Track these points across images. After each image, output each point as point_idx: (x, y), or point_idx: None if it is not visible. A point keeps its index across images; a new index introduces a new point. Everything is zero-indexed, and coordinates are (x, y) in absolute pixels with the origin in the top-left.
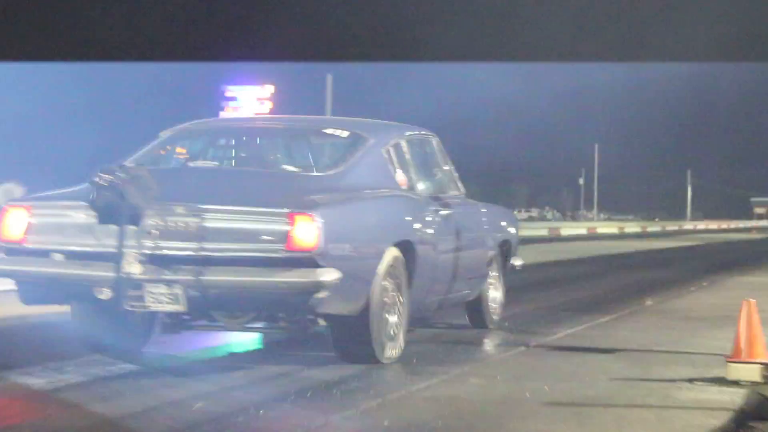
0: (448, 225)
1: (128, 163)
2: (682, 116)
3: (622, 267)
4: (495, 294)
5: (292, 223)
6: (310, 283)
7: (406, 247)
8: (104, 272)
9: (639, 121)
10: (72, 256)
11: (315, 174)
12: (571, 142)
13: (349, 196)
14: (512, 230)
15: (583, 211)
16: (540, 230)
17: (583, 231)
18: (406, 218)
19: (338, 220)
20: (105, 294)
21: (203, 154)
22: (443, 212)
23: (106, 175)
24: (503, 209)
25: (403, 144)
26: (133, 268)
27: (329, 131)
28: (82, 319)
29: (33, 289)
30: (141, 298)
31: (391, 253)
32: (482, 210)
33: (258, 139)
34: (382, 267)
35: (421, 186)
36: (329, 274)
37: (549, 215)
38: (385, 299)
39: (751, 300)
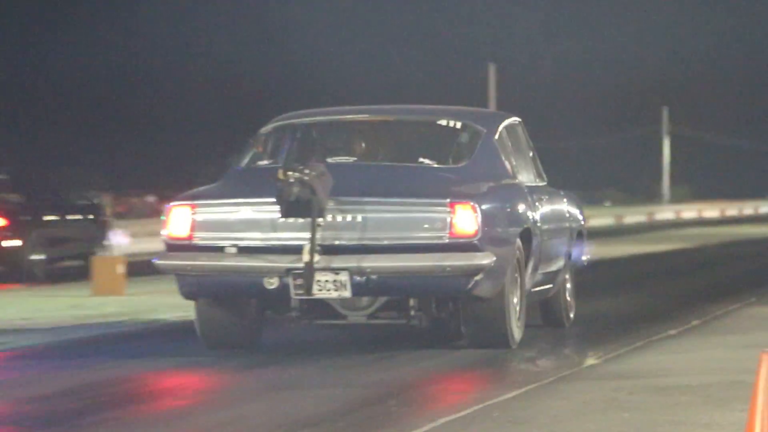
0: (545, 215)
1: (269, 161)
2: (651, 19)
3: None
4: (570, 289)
5: (453, 212)
6: (473, 266)
7: (525, 235)
8: (275, 263)
9: (574, 26)
10: (243, 250)
11: (451, 166)
12: (452, 61)
13: (490, 186)
14: (583, 221)
15: None
16: None
17: None
18: (526, 207)
19: (490, 209)
20: (273, 284)
21: (321, 148)
22: (542, 201)
23: (294, 173)
24: (574, 195)
25: (504, 132)
26: (308, 258)
27: (443, 123)
28: (206, 318)
29: (197, 283)
30: (310, 282)
31: (518, 240)
32: (564, 198)
33: (375, 132)
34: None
35: (521, 174)
36: (487, 258)
37: None
38: (513, 284)
39: None
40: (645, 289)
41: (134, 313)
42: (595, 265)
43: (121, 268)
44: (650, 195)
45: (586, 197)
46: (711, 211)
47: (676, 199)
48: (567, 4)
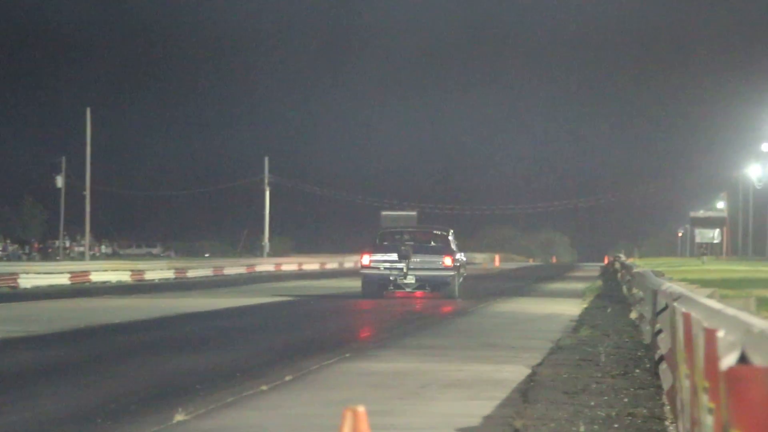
0: (459, 258)
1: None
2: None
3: (126, 349)
4: (462, 284)
5: (444, 258)
6: (450, 275)
7: (460, 266)
8: (393, 272)
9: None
10: (385, 269)
11: (440, 245)
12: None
13: (452, 250)
14: (466, 261)
15: (61, 244)
16: None
17: (57, 279)
18: (458, 255)
19: (455, 257)
20: (393, 278)
21: (401, 239)
22: (459, 254)
23: (404, 246)
24: (463, 253)
25: (451, 232)
26: (407, 268)
27: (435, 231)
28: (366, 290)
29: (370, 277)
30: (406, 278)
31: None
32: (462, 253)
33: (416, 233)
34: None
35: (454, 245)
36: (454, 272)
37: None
38: (458, 280)
39: (358, 409)
40: (240, 343)
41: None
42: (191, 317)
43: None
44: (251, 247)
45: (185, 249)
46: (311, 264)
47: (277, 251)
48: None
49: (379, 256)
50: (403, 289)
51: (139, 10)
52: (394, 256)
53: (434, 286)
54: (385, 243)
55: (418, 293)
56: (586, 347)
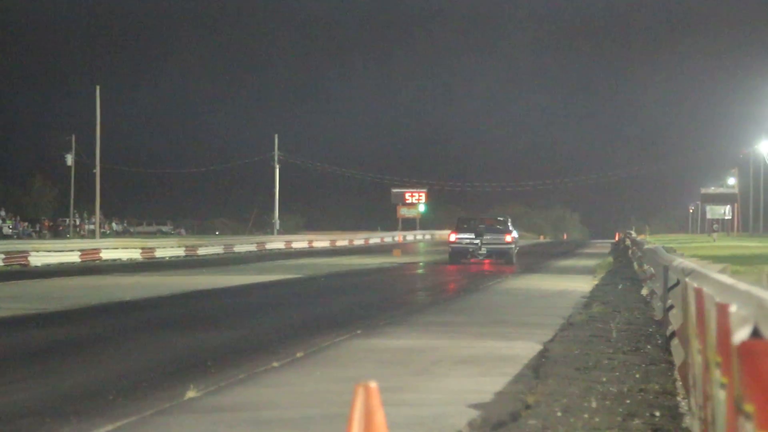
0: (515, 235)
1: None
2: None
3: (146, 326)
4: (516, 253)
5: (505, 236)
6: (511, 247)
7: (517, 240)
8: (471, 245)
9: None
10: (465, 243)
11: (502, 227)
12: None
13: (510, 229)
14: (516, 235)
15: (72, 222)
16: None
17: (68, 257)
18: (514, 233)
19: (513, 234)
20: (471, 250)
21: (476, 223)
22: (515, 232)
23: (479, 227)
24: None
25: (509, 217)
26: (480, 243)
27: (499, 218)
28: (453, 259)
29: (455, 248)
30: (480, 250)
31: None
32: (516, 231)
33: (485, 221)
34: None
35: (510, 225)
36: (514, 246)
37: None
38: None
39: (370, 384)
40: (252, 320)
41: None
42: (202, 295)
43: None
44: (261, 224)
45: (196, 227)
46: (321, 241)
47: (291, 229)
48: None
49: (461, 235)
50: (477, 257)
51: None
52: (472, 235)
53: (499, 255)
54: (465, 226)
55: (487, 261)
56: (597, 323)
